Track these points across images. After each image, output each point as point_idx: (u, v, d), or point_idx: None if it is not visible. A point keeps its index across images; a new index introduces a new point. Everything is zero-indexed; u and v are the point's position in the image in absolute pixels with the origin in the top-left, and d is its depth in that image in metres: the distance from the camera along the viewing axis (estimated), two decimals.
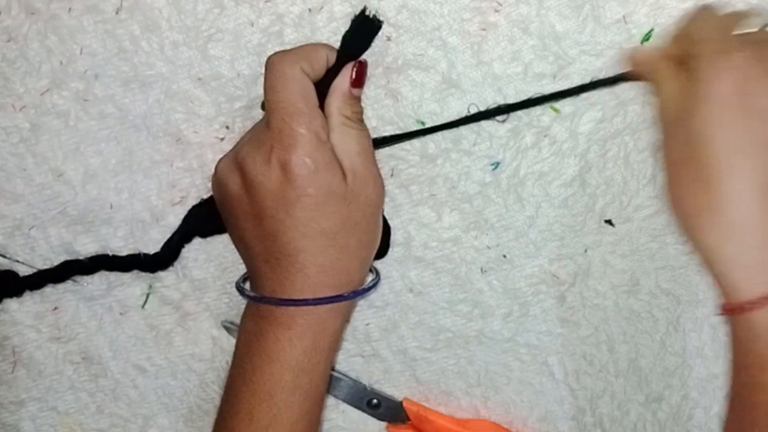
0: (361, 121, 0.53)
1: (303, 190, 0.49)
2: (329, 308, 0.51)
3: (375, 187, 0.52)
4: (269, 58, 0.51)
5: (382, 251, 0.57)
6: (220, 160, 0.53)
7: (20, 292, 0.59)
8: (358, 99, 0.53)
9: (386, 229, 0.57)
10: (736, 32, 0.50)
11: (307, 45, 0.53)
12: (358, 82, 0.52)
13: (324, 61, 0.51)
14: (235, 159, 0.51)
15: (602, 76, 0.55)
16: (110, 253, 0.58)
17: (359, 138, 0.52)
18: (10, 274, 0.58)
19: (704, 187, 0.47)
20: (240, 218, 0.52)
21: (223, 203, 0.53)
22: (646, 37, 0.54)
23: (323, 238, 0.50)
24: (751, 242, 0.46)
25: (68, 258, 0.58)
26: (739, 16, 0.51)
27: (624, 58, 0.53)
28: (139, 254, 0.58)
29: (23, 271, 0.59)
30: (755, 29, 0.51)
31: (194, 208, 0.57)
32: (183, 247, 0.58)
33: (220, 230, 0.57)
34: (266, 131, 0.50)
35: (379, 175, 0.53)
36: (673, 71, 0.50)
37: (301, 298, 0.51)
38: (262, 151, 0.50)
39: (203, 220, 0.57)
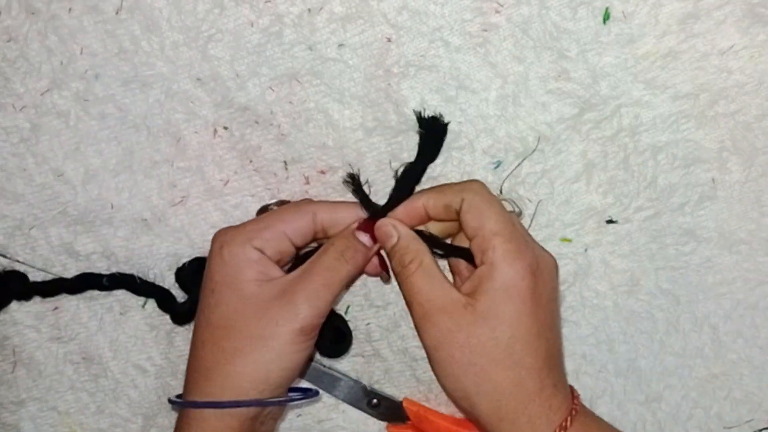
0: (339, 258, 0.52)
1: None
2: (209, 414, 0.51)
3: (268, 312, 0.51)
4: None
5: (334, 350, 0.58)
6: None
7: (29, 297, 0.59)
8: (357, 241, 0.52)
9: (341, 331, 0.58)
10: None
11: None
12: (364, 229, 0.53)
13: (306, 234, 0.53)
14: None
15: None
16: (136, 275, 0.58)
17: (319, 268, 0.51)
18: (17, 275, 0.58)
19: (507, 363, 0.49)
20: None
21: None
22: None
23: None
24: (536, 399, 0.49)
25: (68, 258, 0.58)
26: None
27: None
28: (160, 287, 0.58)
29: (24, 270, 0.59)
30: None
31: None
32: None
33: None
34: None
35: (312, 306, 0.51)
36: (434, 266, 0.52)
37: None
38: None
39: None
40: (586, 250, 0.58)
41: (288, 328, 0.50)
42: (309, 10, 0.55)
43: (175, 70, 0.56)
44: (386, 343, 0.59)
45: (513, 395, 0.49)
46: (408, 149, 0.56)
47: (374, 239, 0.53)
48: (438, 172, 0.57)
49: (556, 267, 0.52)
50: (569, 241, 0.58)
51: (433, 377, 0.59)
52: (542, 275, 0.50)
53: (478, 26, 0.55)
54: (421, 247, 0.52)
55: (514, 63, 0.55)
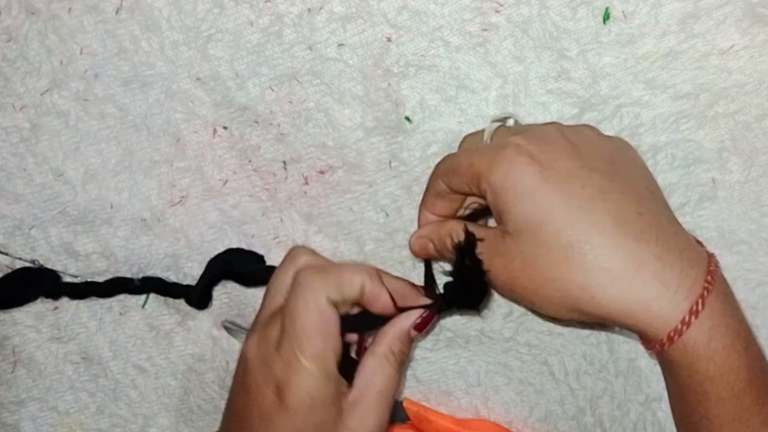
0: (402, 363, 0.49)
1: (292, 420, 0.45)
2: None
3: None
4: (299, 274, 0.47)
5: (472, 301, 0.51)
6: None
7: (58, 296, 0.59)
8: (410, 341, 0.49)
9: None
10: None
11: (345, 267, 0.48)
12: (421, 327, 0.49)
13: (358, 288, 0.47)
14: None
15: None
16: (164, 278, 0.58)
17: (388, 377, 0.48)
18: (50, 274, 0.58)
19: (571, 261, 0.44)
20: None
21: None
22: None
23: None
24: (634, 279, 0.43)
25: (68, 258, 0.58)
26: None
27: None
28: (188, 286, 0.58)
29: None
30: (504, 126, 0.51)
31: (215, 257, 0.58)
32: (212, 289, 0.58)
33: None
34: (277, 350, 0.46)
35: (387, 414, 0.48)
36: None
37: None
38: (266, 369, 0.46)
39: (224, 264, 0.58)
40: None
41: None
42: (309, 9, 0.55)
43: (174, 70, 0.56)
44: None
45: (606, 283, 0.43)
46: (408, 149, 0.56)
47: (423, 325, 0.49)
48: None
49: (560, 129, 0.47)
50: None
51: (433, 377, 0.60)
52: (546, 151, 0.45)
53: (478, 26, 0.55)
54: (451, 226, 0.49)
55: (514, 63, 0.55)
